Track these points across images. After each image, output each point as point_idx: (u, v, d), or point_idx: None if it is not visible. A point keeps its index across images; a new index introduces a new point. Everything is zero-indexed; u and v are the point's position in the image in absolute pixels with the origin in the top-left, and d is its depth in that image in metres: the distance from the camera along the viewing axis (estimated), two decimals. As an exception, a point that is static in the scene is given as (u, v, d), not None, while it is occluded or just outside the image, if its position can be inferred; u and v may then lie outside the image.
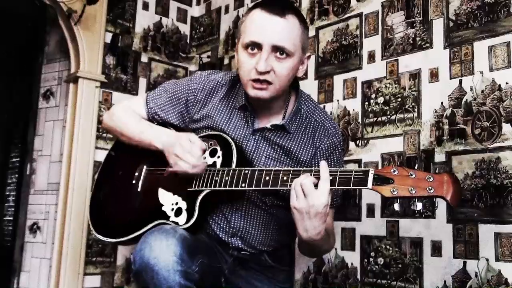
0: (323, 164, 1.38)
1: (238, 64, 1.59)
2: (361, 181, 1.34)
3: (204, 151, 1.56)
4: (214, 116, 1.68)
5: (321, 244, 1.49)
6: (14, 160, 5.54)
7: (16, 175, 5.37)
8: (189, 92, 1.72)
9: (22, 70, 4.44)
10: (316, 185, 1.36)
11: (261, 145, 1.64)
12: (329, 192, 1.36)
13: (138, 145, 1.71)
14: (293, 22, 1.54)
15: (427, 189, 1.27)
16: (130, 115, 1.77)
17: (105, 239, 1.69)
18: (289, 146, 1.64)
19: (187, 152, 1.52)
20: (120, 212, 1.72)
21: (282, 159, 1.64)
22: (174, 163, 1.55)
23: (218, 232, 1.65)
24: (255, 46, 1.52)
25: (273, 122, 1.64)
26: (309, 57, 1.65)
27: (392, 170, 1.32)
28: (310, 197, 1.35)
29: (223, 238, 1.65)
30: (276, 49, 1.51)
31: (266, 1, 1.57)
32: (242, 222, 1.65)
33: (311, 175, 1.39)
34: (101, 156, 1.93)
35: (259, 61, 1.50)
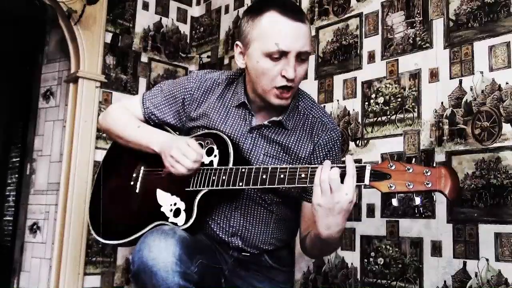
0: (349, 159, 1.35)
1: (259, 71, 1.54)
2: (358, 177, 1.33)
3: (201, 156, 1.55)
4: (211, 115, 1.67)
5: (336, 242, 1.48)
6: (14, 160, 5.55)
7: (16, 175, 5.38)
8: (185, 91, 1.71)
9: (22, 70, 4.44)
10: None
11: (258, 142, 1.63)
12: (355, 188, 1.33)
13: (135, 148, 1.71)
14: (308, 25, 1.56)
15: (425, 183, 1.26)
16: (127, 117, 1.76)
17: (104, 241, 1.69)
18: (287, 142, 1.63)
19: (182, 155, 1.52)
20: (119, 213, 1.72)
21: (280, 156, 1.63)
22: (170, 165, 1.55)
23: (218, 232, 1.65)
24: (281, 53, 1.50)
25: (271, 119, 1.64)
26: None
27: (389, 165, 1.31)
28: (336, 193, 1.32)
29: (223, 238, 1.65)
30: (300, 54, 1.51)
31: (280, 3, 1.54)
32: (242, 220, 1.64)
33: (327, 169, 1.35)
34: (101, 156, 1.93)
35: (287, 68, 1.49)
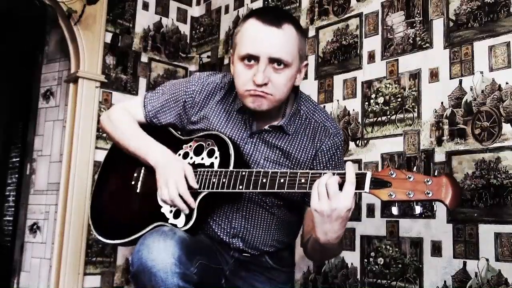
0: (349, 166, 1.34)
1: (234, 75, 1.56)
2: (358, 184, 1.32)
3: (189, 201, 1.53)
4: (212, 118, 1.67)
5: (336, 247, 1.47)
6: (14, 160, 5.55)
7: (16, 175, 5.38)
8: (187, 94, 1.71)
9: (22, 70, 4.45)
10: (339, 187, 1.32)
11: (259, 147, 1.63)
12: (354, 196, 1.32)
13: (132, 155, 1.71)
14: (290, 31, 1.51)
15: (426, 192, 1.24)
16: (129, 122, 1.75)
17: (105, 240, 1.69)
18: (287, 147, 1.63)
19: (175, 187, 1.52)
20: (119, 213, 1.71)
21: (280, 161, 1.62)
22: (159, 186, 1.56)
23: (219, 233, 1.64)
24: (252, 58, 1.50)
25: (272, 123, 1.63)
26: (306, 65, 1.63)
27: (389, 173, 1.30)
28: (333, 200, 1.30)
29: (224, 239, 1.64)
30: (273, 60, 1.49)
31: (260, 10, 1.55)
32: (243, 222, 1.64)
33: (327, 175, 1.34)
34: (101, 156, 1.93)
35: (256, 73, 1.48)
